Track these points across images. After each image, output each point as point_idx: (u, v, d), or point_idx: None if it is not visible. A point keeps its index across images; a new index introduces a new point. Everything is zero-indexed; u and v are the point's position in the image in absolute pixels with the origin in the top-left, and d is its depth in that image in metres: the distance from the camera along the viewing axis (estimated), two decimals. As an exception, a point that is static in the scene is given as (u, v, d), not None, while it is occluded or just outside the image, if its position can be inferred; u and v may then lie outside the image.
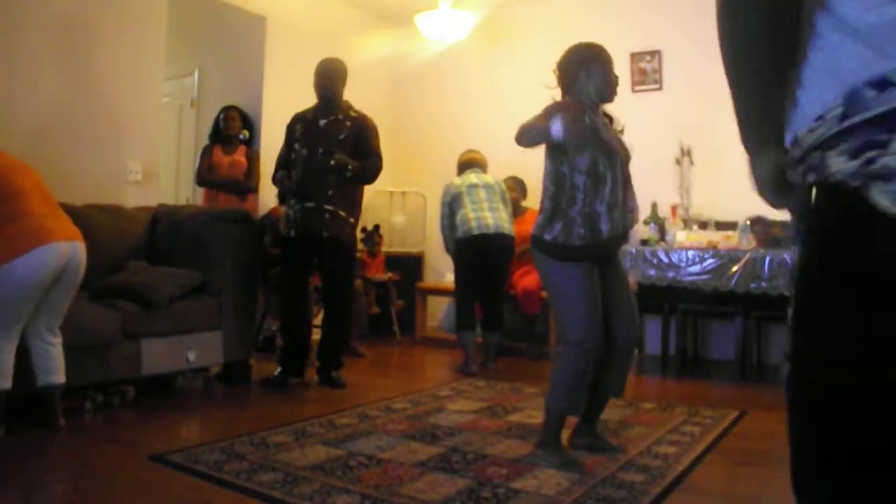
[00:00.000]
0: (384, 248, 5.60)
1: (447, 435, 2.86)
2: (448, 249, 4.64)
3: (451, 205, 4.50)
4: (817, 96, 0.73)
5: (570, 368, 2.52)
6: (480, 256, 4.38)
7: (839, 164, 0.67)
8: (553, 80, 2.71)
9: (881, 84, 0.65)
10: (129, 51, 4.20)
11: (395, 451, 2.61)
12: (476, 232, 4.32)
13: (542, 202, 2.65)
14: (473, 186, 4.48)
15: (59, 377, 2.79)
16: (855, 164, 0.66)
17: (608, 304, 2.59)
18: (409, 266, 5.75)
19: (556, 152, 2.57)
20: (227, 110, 4.91)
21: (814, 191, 0.72)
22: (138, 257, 3.78)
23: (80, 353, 3.01)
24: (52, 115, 3.84)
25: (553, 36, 5.48)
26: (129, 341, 3.26)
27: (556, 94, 2.71)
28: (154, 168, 4.39)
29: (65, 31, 3.88)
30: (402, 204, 6.05)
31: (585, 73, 2.62)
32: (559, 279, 2.58)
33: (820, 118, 0.71)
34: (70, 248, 2.74)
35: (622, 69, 5.21)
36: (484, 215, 4.36)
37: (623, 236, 2.63)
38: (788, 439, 0.75)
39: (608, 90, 2.65)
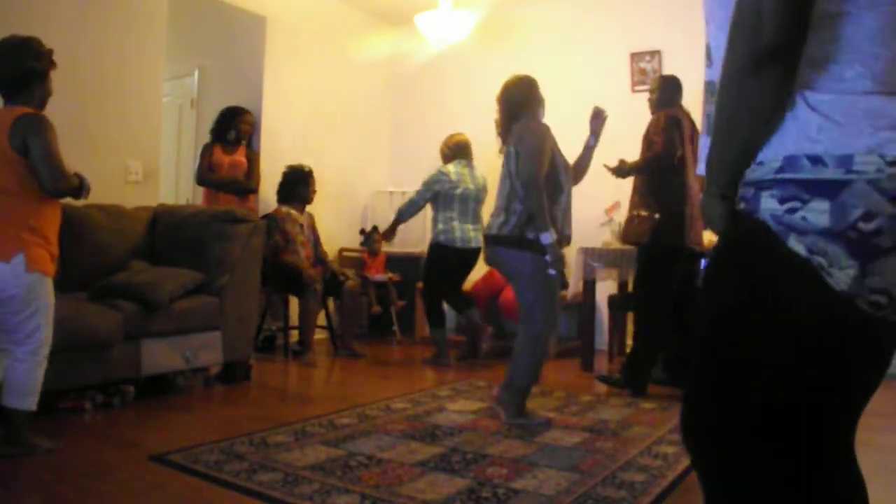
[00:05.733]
0: (384, 248, 5.60)
1: (447, 435, 2.86)
2: (401, 219, 4.80)
3: (439, 195, 4.59)
4: (769, 149, 0.93)
5: (539, 347, 3.01)
6: (455, 265, 4.62)
7: (769, 203, 0.89)
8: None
9: (815, 160, 0.86)
10: (129, 51, 4.20)
11: (395, 451, 2.61)
12: (459, 245, 4.56)
13: (508, 203, 3.03)
14: (467, 191, 4.58)
15: (15, 400, 2.46)
16: (781, 207, 0.87)
17: None
18: (410, 266, 5.75)
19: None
20: (242, 113, 4.87)
21: (740, 217, 0.94)
22: (138, 257, 3.78)
23: (80, 353, 3.01)
24: (51, 115, 3.81)
25: (553, 36, 5.51)
26: (129, 341, 3.26)
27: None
28: (154, 168, 4.39)
29: (65, 32, 3.88)
30: (402, 204, 6.05)
31: (536, 99, 3.20)
32: (540, 271, 2.96)
33: (760, 163, 0.92)
34: None
35: (622, 69, 5.28)
36: (467, 227, 4.57)
37: (568, 240, 3.15)
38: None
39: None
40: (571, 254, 4.17)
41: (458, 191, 4.56)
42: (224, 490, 2.20)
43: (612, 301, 4.77)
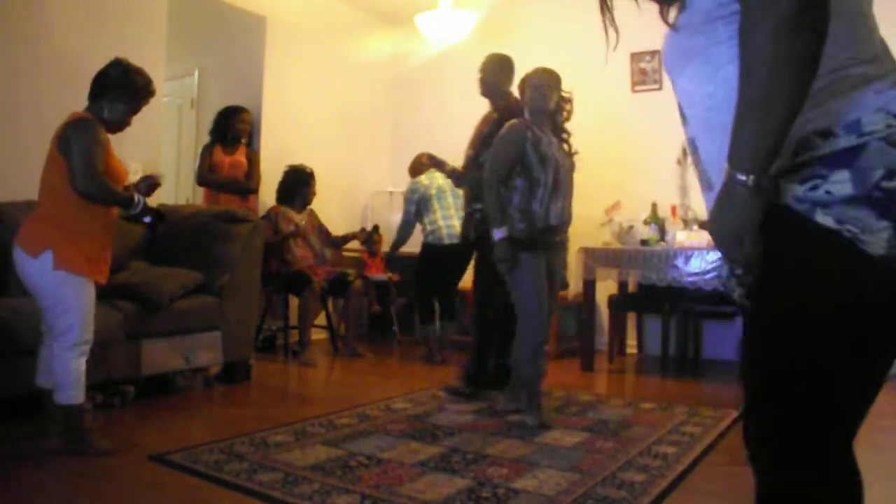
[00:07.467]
0: (384, 248, 5.60)
1: (447, 435, 2.86)
2: (396, 247, 5.01)
3: (419, 204, 4.77)
4: None
5: (530, 340, 3.02)
6: (446, 262, 4.68)
7: (788, 188, 0.88)
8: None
9: (825, 134, 0.86)
10: (130, 51, 4.17)
11: (395, 451, 2.61)
12: (446, 241, 4.65)
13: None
14: (442, 191, 4.75)
15: (57, 394, 2.54)
16: (802, 188, 0.86)
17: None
18: (410, 266, 5.75)
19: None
20: (239, 112, 4.87)
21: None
22: (138, 257, 3.78)
23: (80, 353, 3.00)
24: (51, 114, 3.82)
25: (553, 36, 5.50)
26: (129, 341, 3.26)
27: None
28: (154, 168, 4.38)
29: (64, 32, 3.88)
30: (402, 204, 6.05)
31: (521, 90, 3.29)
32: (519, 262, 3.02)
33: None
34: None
35: (622, 69, 5.27)
36: (453, 223, 4.66)
37: (553, 230, 3.11)
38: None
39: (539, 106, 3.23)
40: (572, 254, 4.17)
41: (434, 190, 4.75)
42: (224, 490, 2.20)
43: (612, 301, 4.78)
